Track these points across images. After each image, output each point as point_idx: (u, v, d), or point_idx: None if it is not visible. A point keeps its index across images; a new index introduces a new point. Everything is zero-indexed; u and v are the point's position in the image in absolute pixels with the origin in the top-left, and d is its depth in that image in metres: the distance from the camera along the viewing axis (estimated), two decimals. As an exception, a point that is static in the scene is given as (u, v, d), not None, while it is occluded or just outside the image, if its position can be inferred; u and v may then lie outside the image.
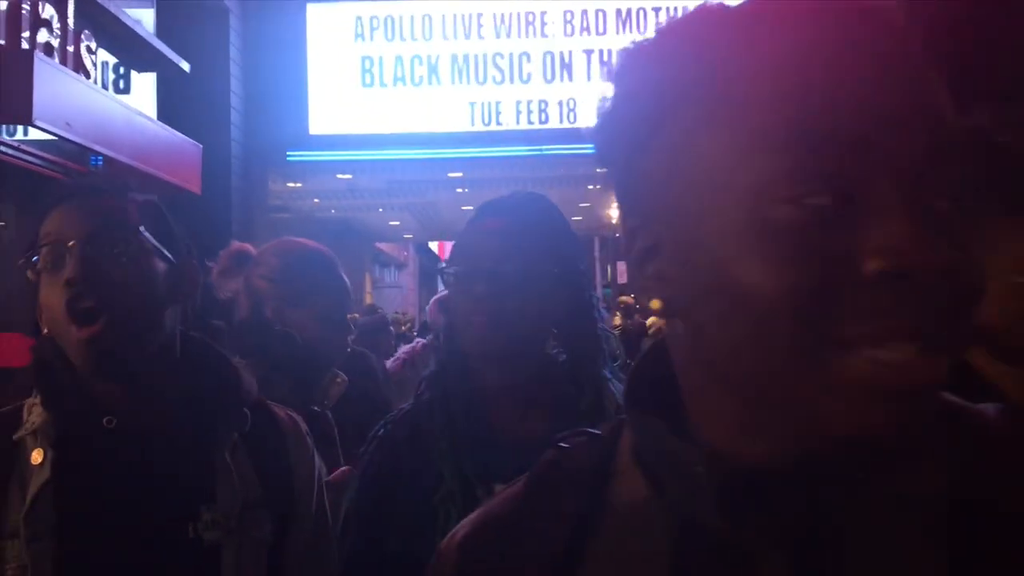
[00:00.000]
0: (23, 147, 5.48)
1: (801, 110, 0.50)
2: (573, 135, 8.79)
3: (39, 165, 5.72)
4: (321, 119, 9.22)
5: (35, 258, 1.21)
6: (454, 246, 1.48)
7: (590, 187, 10.38)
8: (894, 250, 0.48)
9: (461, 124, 9.11)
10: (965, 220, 0.51)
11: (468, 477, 1.33)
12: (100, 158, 6.03)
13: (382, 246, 17.72)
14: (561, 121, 9.11)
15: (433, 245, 22.76)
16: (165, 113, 7.09)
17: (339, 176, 10.14)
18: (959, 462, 0.56)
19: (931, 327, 0.49)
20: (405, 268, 20.84)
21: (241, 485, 1.25)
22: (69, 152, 5.88)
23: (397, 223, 14.60)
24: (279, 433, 1.36)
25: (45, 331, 1.23)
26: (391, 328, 5.60)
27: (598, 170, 0.67)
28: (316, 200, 11.52)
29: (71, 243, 1.17)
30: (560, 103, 9.14)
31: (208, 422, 1.27)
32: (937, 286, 0.48)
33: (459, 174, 10.04)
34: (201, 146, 6.55)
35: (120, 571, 1.15)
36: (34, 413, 1.23)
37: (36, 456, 1.18)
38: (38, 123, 4.46)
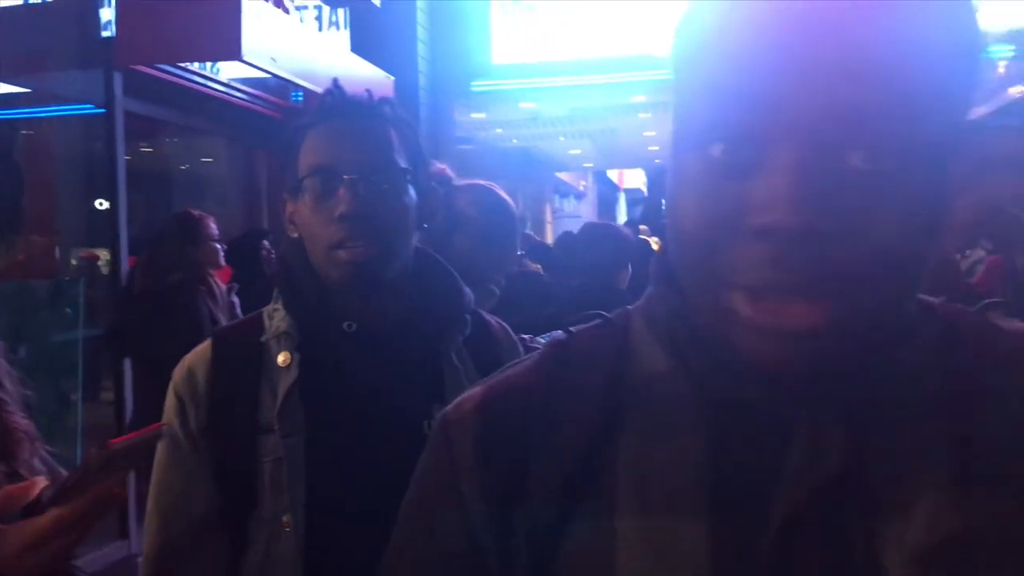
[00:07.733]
0: (232, 84, 5.80)
1: (716, 68, 0.53)
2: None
3: (246, 100, 6.06)
4: (504, 48, 9.22)
5: (303, 180, 1.26)
6: None
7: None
8: (767, 208, 0.50)
9: (644, 47, 8.88)
10: (880, 178, 0.51)
11: None
12: (301, 93, 6.30)
13: (562, 176, 17.69)
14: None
15: (612, 174, 22.52)
16: (357, 47, 7.30)
17: (522, 105, 10.15)
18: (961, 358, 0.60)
19: (807, 278, 0.51)
20: (584, 198, 20.76)
21: (468, 385, 1.30)
22: (273, 87, 6.19)
23: (578, 151, 14.54)
24: (492, 338, 1.40)
25: (295, 235, 1.30)
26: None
27: None
28: (499, 130, 11.63)
29: (346, 176, 1.22)
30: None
31: (436, 327, 1.32)
32: (809, 243, 0.50)
33: (642, 98, 9.82)
34: (393, 78, 6.71)
35: (363, 464, 1.22)
36: (276, 318, 1.31)
37: (282, 358, 1.26)
38: (246, 59, 4.67)
